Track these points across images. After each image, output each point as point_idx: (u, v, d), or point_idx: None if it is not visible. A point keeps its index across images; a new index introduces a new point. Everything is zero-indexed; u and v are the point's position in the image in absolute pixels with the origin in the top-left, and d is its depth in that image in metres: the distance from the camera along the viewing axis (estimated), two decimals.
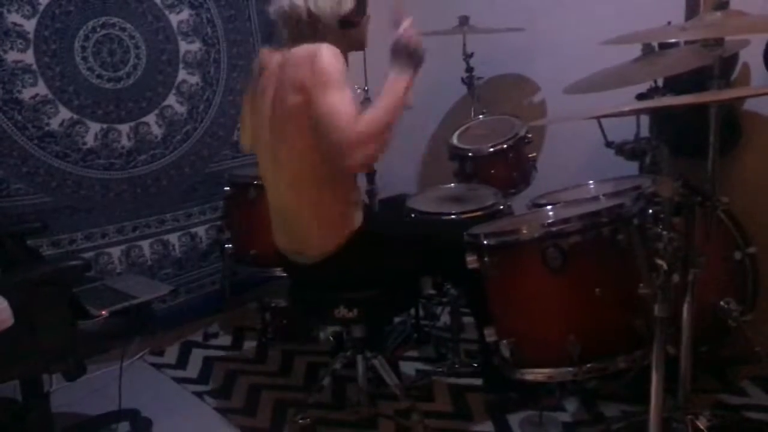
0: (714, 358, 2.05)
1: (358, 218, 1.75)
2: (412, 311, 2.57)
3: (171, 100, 2.81)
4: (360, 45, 1.79)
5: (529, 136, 2.42)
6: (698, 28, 1.53)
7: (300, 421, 1.97)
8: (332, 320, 1.81)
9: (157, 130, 2.77)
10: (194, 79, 2.88)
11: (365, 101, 1.95)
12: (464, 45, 2.69)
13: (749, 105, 2.21)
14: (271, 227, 1.86)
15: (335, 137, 1.48)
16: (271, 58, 1.73)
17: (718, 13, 1.55)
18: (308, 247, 1.75)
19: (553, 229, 1.57)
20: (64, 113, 2.49)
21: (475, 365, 2.29)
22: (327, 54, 1.54)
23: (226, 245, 2.66)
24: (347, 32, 1.70)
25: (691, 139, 1.69)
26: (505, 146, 2.37)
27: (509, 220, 1.99)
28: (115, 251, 2.67)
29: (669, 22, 1.94)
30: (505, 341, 1.63)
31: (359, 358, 1.97)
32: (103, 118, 2.60)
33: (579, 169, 2.54)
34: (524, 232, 1.61)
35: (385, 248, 1.77)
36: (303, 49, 1.60)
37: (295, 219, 1.74)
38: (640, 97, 2.01)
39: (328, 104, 1.50)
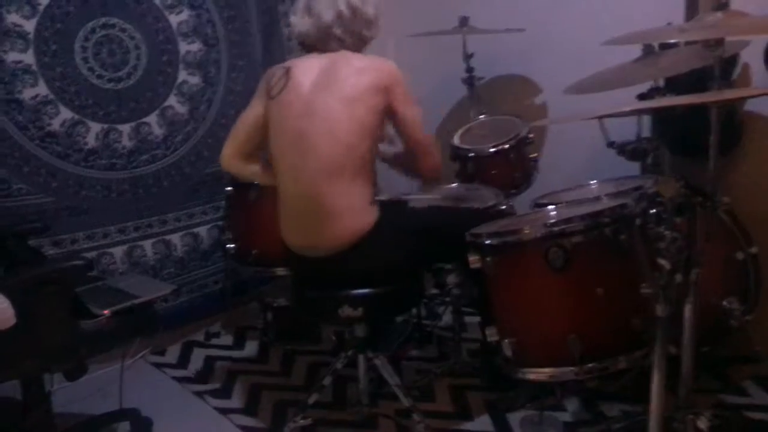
0: (715, 357, 2.05)
1: (375, 213, 1.79)
2: (414, 311, 2.58)
3: (172, 100, 2.81)
4: None
5: (531, 136, 2.42)
6: (698, 29, 1.53)
7: (300, 421, 1.97)
8: (337, 319, 1.81)
9: (158, 131, 2.77)
10: (195, 80, 2.88)
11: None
12: (464, 45, 2.69)
13: (750, 105, 2.21)
14: (281, 223, 1.87)
15: (428, 148, 1.86)
16: (307, 61, 1.85)
17: (719, 14, 1.55)
18: (328, 238, 1.76)
19: (555, 229, 1.57)
20: (65, 113, 2.49)
21: (477, 365, 2.29)
22: (401, 72, 1.81)
23: (228, 245, 2.65)
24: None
25: (693, 139, 1.69)
26: (506, 146, 2.37)
27: (511, 220, 1.99)
28: (117, 251, 2.67)
29: (669, 23, 1.94)
30: (506, 341, 1.63)
31: (360, 357, 1.97)
32: (104, 118, 2.60)
33: (581, 169, 2.54)
34: (526, 231, 1.61)
35: (395, 242, 1.79)
36: (376, 58, 1.80)
37: (324, 206, 1.74)
38: (641, 97, 2.01)
39: (414, 115, 1.81)
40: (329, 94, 1.74)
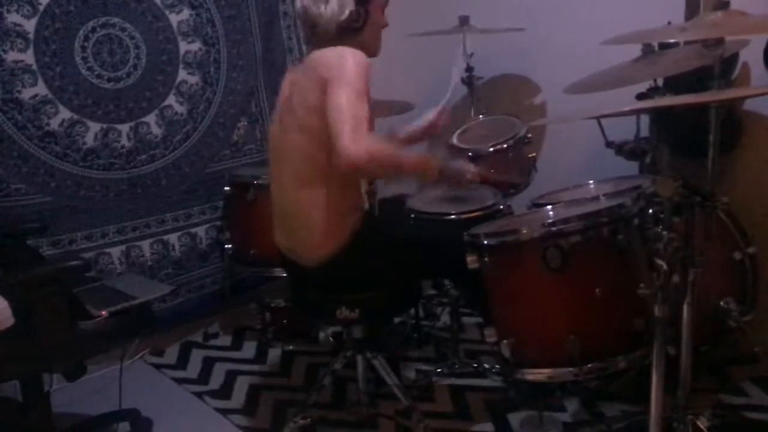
0: (714, 358, 2.05)
1: (355, 223, 1.74)
2: (413, 311, 2.57)
3: (171, 100, 2.81)
4: (368, 52, 1.75)
5: (529, 135, 2.42)
6: (698, 28, 1.53)
7: (300, 421, 1.96)
8: (334, 320, 1.81)
9: (156, 130, 2.77)
10: (194, 79, 2.88)
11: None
12: (464, 45, 2.69)
13: (749, 105, 2.21)
14: (273, 225, 1.86)
15: (338, 130, 1.49)
16: (296, 66, 1.83)
17: (719, 13, 1.55)
18: (306, 250, 1.75)
19: (553, 229, 1.57)
20: (64, 113, 2.49)
21: (476, 365, 2.29)
22: (351, 57, 1.60)
23: (226, 245, 2.66)
24: (349, 38, 1.71)
25: (691, 139, 1.69)
26: (505, 146, 2.37)
27: (509, 220, 1.99)
28: (115, 251, 2.66)
29: (669, 22, 1.94)
30: (505, 341, 1.63)
31: (359, 358, 1.97)
32: (103, 118, 2.60)
33: (579, 169, 2.54)
34: (524, 232, 1.61)
35: (385, 251, 1.77)
36: (328, 51, 1.66)
37: (296, 218, 1.74)
38: (640, 97, 2.01)
39: (339, 100, 1.52)
40: (289, 102, 1.73)
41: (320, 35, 1.72)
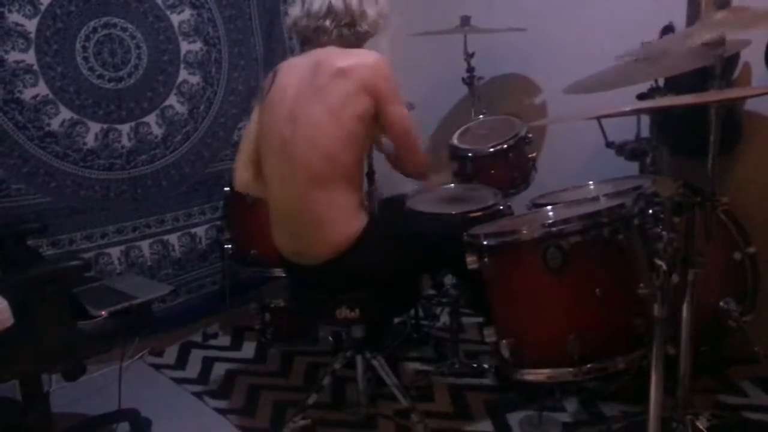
0: (714, 358, 2.05)
1: (364, 219, 1.75)
2: (412, 311, 2.57)
3: (172, 100, 2.81)
4: None
5: (530, 136, 2.41)
6: (702, 31, 1.52)
7: (299, 422, 1.96)
8: (334, 320, 1.80)
9: (157, 131, 2.77)
10: (195, 80, 2.88)
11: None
12: (465, 45, 2.69)
13: (750, 105, 2.21)
14: (272, 228, 1.85)
15: (412, 151, 1.82)
16: (294, 62, 1.82)
17: (722, 13, 1.54)
18: (317, 247, 1.73)
19: (554, 229, 1.57)
20: (65, 113, 2.49)
21: (475, 365, 2.29)
22: (388, 67, 1.71)
23: (226, 245, 2.66)
24: (369, 39, 1.80)
25: (692, 139, 1.68)
26: (505, 146, 2.36)
27: (509, 220, 1.99)
28: (115, 251, 2.66)
29: (670, 22, 1.94)
30: (504, 341, 1.63)
31: (359, 358, 1.97)
32: (104, 118, 2.60)
33: (579, 169, 2.54)
34: (524, 232, 1.61)
35: (385, 251, 1.76)
36: (363, 57, 1.70)
37: (304, 218, 1.72)
38: (641, 97, 2.00)
39: (402, 120, 1.75)
40: (313, 101, 1.67)
41: (359, 33, 1.75)
